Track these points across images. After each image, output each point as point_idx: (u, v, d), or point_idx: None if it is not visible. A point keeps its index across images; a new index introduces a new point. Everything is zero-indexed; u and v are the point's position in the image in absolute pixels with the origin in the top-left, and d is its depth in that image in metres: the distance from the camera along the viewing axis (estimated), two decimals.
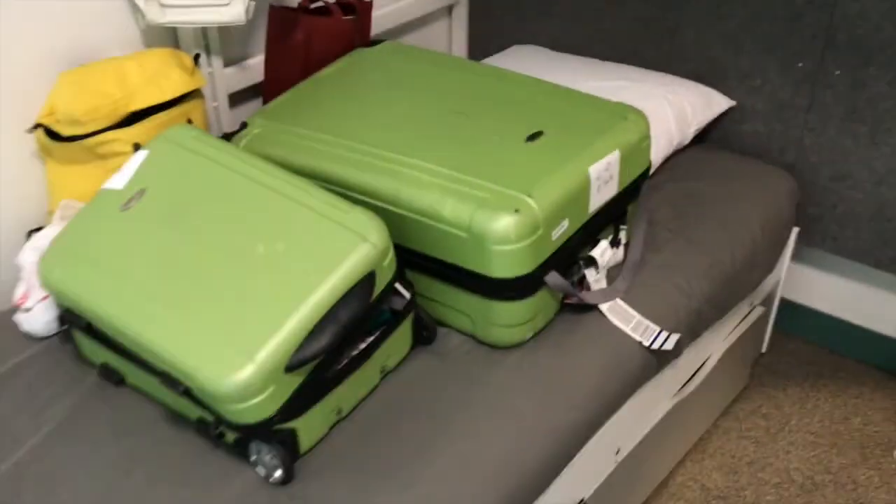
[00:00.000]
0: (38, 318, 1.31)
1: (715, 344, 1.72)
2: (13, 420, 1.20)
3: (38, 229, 1.45)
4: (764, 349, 2.06)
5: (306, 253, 1.11)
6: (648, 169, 1.47)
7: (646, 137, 1.42)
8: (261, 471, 1.11)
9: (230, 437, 1.12)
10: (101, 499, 1.09)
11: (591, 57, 2.01)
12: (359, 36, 1.81)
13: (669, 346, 1.37)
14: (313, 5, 1.76)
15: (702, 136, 1.91)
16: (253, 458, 1.11)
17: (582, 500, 1.41)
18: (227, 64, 1.71)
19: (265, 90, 1.76)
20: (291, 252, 1.11)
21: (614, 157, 1.34)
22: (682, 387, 1.63)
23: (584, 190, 1.29)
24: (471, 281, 1.25)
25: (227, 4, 1.50)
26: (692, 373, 1.65)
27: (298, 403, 1.09)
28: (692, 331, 1.48)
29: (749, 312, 1.85)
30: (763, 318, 1.94)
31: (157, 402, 1.21)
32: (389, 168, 1.30)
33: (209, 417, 1.12)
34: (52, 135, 1.38)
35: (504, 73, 1.58)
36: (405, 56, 1.65)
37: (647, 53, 1.97)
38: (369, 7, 1.83)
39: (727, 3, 1.82)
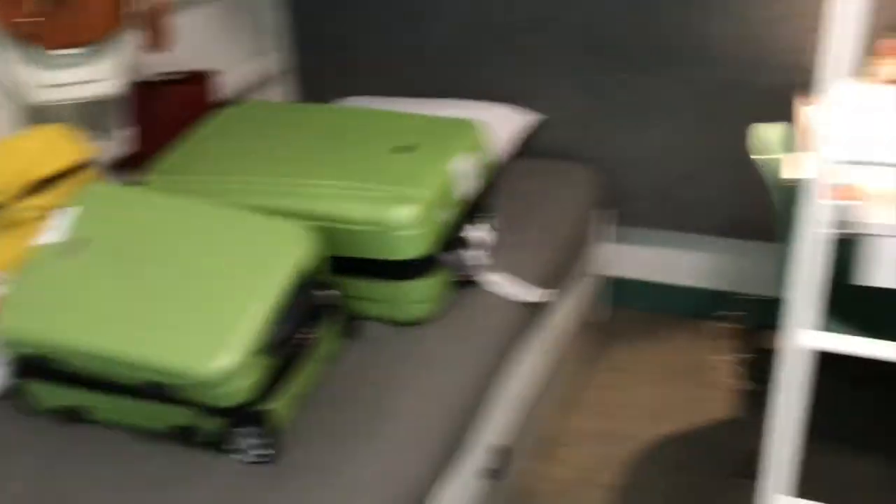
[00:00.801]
0: None
1: (568, 310, 2.05)
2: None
3: None
4: (602, 319, 2.43)
5: (253, 259, 1.29)
6: (495, 170, 1.79)
7: (488, 143, 1.74)
8: (244, 457, 1.26)
9: (205, 435, 1.26)
10: None
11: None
12: (210, 100, 2.01)
13: (541, 298, 1.67)
14: (169, 77, 1.94)
15: (524, 147, 2.27)
16: (236, 447, 1.26)
17: (499, 446, 1.65)
18: (100, 137, 1.83)
19: (139, 157, 1.89)
20: (240, 260, 1.29)
21: (471, 158, 1.64)
22: (552, 345, 1.95)
23: (453, 185, 1.57)
24: (385, 269, 1.48)
25: (102, 80, 1.65)
26: (556, 332, 1.97)
27: (270, 386, 1.26)
28: (550, 288, 1.80)
29: (585, 283, 2.21)
30: (596, 291, 2.31)
31: (124, 427, 1.32)
32: (296, 190, 1.51)
33: (185, 422, 1.25)
34: None
35: (359, 108, 1.85)
36: (270, 108, 1.88)
37: (466, 87, 2.32)
38: (205, 76, 2.04)
39: (521, 36, 2.22)
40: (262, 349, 1.22)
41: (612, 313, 2.47)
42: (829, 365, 1.80)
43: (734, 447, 1.99)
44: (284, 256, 1.29)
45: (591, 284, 2.25)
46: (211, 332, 1.20)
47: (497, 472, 1.63)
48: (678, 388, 2.19)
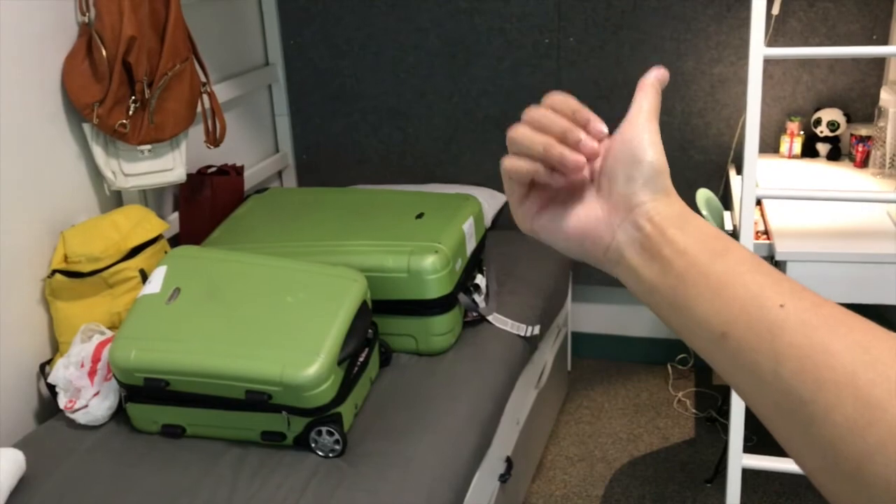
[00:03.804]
0: (96, 408, 1.66)
1: (547, 354, 2.44)
2: (126, 469, 1.55)
3: (48, 361, 1.80)
4: (569, 367, 2.82)
5: (323, 293, 1.65)
6: (486, 231, 2.20)
7: (482, 210, 2.16)
8: (320, 451, 1.58)
9: (290, 438, 1.59)
10: (229, 493, 1.49)
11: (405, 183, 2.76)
12: (241, 189, 2.40)
13: (535, 332, 2.06)
14: (209, 170, 2.33)
15: (494, 222, 2.70)
16: (313, 444, 1.58)
17: (508, 457, 2.00)
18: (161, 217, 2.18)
19: (185, 236, 2.25)
20: (312, 295, 1.65)
21: (471, 220, 2.05)
22: (538, 381, 2.32)
23: (463, 240, 1.98)
24: (413, 307, 1.85)
25: (171, 170, 2.02)
26: (541, 370, 2.35)
27: (342, 392, 1.60)
28: (541, 327, 2.19)
29: (558, 334, 2.61)
30: (566, 341, 2.71)
31: (218, 440, 1.63)
32: (336, 250, 1.89)
33: (275, 427, 1.58)
34: (71, 275, 1.78)
35: (369, 189, 2.25)
36: (292, 193, 2.27)
37: (444, 174, 2.76)
38: (242, 170, 2.43)
39: (492, 130, 2.69)
40: (337, 362, 1.57)
41: (573, 363, 2.86)
42: None
43: (696, 462, 2.37)
44: (349, 290, 1.66)
45: (563, 336, 2.65)
46: (303, 348, 1.54)
47: (504, 476, 1.97)
48: (643, 420, 2.58)
